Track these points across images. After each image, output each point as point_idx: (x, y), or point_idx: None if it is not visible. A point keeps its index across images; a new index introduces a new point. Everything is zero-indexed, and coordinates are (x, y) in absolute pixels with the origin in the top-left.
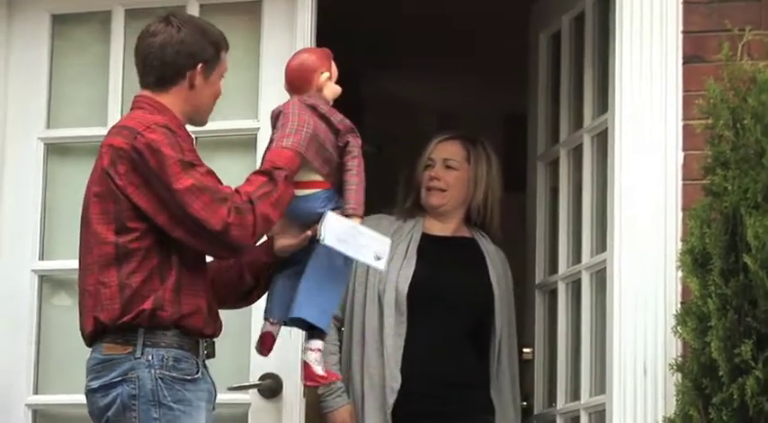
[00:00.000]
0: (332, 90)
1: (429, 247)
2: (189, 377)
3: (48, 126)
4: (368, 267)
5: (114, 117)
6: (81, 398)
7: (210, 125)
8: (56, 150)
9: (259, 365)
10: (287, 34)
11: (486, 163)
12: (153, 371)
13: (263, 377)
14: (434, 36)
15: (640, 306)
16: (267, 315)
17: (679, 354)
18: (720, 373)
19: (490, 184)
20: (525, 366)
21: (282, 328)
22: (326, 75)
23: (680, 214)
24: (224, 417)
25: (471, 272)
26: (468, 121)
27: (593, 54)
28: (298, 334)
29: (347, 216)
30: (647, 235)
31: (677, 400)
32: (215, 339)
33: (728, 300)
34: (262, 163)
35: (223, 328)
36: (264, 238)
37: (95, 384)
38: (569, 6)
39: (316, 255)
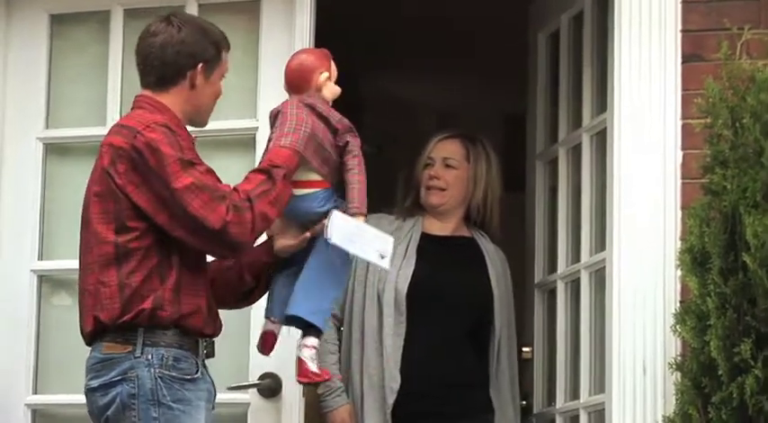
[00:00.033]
0: (331, 90)
1: (428, 246)
2: (188, 377)
3: (46, 126)
4: (367, 267)
5: (113, 117)
6: (80, 398)
7: (209, 125)
8: (55, 150)
9: (258, 365)
10: (285, 34)
11: (486, 162)
12: (152, 370)
13: (262, 377)
14: (434, 37)
15: (639, 305)
16: (268, 314)
17: (678, 353)
18: (720, 372)
19: (490, 183)
20: (524, 365)
21: (283, 327)
22: (326, 75)
23: (679, 213)
24: (223, 416)
25: (471, 271)
26: (468, 122)
27: (592, 53)
28: (297, 334)
29: (351, 215)
30: (647, 234)
31: (676, 399)
32: (215, 339)
33: (728, 299)
34: (260, 162)
35: (223, 328)
36: (264, 238)
37: (95, 383)
38: (568, 6)
39: (314, 253)
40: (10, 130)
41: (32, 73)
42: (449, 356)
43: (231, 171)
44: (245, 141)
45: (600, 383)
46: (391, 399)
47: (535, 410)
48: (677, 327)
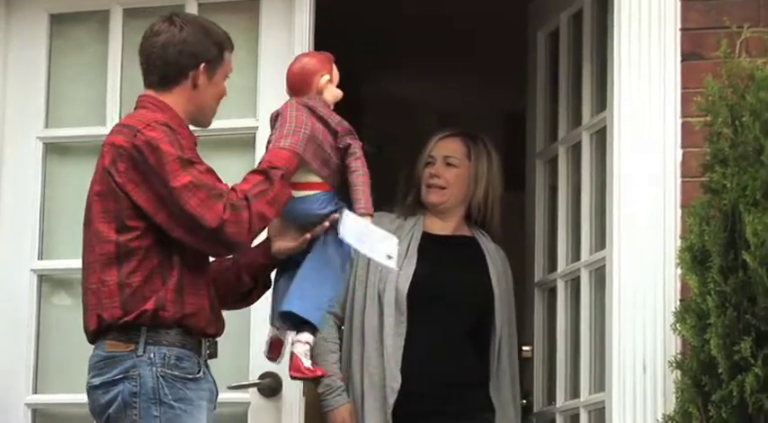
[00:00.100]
0: (332, 93)
1: (429, 246)
2: (190, 376)
3: (46, 125)
4: (368, 267)
5: (113, 116)
6: (81, 397)
7: None
8: (54, 150)
9: (259, 364)
10: (285, 33)
11: (487, 160)
12: (154, 369)
13: (262, 376)
14: (434, 36)
15: (639, 303)
16: (273, 322)
17: (678, 351)
18: (720, 371)
19: (491, 182)
20: (525, 364)
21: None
22: (327, 78)
23: (679, 211)
24: (224, 416)
25: (471, 271)
26: (468, 121)
27: (592, 51)
28: None
29: (358, 216)
30: (646, 232)
31: (677, 398)
32: (217, 339)
33: (728, 297)
34: (259, 163)
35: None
36: (263, 238)
37: (97, 381)
38: (567, 4)
39: (312, 253)
40: (10, 129)
41: (32, 73)
42: (449, 356)
43: (231, 170)
44: (244, 141)
45: (600, 382)
46: (392, 398)
47: (535, 409)
48: (677, 325)
